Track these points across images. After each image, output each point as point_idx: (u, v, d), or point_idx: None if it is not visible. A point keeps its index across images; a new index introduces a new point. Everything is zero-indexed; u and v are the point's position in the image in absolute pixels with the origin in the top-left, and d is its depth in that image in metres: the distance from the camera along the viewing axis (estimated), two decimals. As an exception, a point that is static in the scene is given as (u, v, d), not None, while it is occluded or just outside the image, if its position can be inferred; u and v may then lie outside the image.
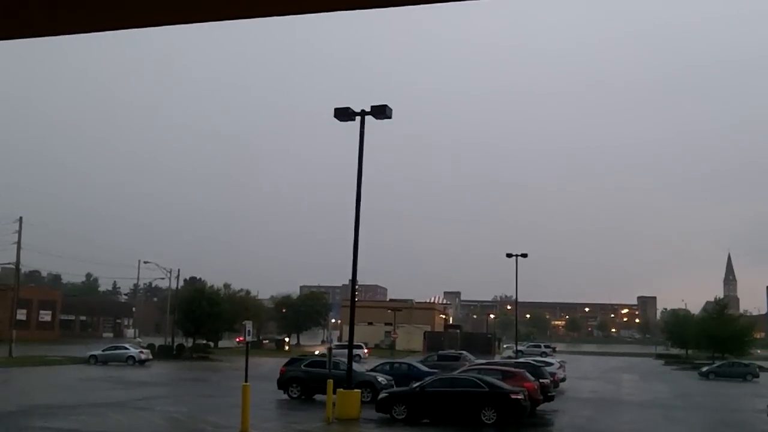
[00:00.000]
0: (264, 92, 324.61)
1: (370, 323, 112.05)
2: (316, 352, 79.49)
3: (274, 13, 2.15)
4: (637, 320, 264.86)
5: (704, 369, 71.46)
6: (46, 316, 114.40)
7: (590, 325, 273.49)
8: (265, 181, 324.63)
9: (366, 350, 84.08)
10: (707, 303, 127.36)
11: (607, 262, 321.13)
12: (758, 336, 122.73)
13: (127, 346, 71.33)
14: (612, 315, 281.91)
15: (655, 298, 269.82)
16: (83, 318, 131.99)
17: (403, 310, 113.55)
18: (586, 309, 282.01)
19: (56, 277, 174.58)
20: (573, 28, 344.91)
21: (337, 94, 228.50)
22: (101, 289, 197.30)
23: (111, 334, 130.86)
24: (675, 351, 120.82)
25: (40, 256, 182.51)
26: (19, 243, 71.79)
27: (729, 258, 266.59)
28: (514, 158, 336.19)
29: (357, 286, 35.21)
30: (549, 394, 37.75)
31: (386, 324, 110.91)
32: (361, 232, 33.11)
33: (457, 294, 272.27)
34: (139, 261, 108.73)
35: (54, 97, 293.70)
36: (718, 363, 74.70)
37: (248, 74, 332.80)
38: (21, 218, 72.47)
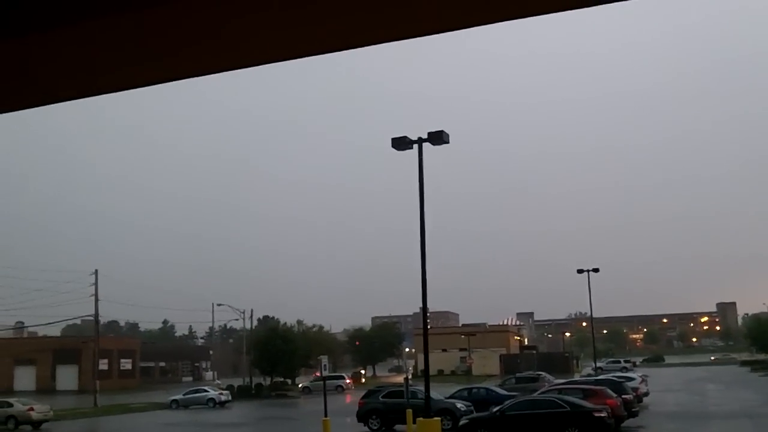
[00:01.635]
0: (317, 128, 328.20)
1: (444, 350, 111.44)
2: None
3: (311, 53, 2.23)
4: (717, 328, 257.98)
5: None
6: (126, 364, 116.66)
7: (669, 336, 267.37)
8: (329, 216, 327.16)
9: (348, 380, 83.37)
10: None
11: (682, 269, 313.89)
12: None
13: (207, 388, 72.32)
14: (691, 324, 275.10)
15: (734, 303, 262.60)
16: (162, 364, 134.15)
17: (477, 334, 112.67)
18: (664, 320, 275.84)
19: (134, 326, 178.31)
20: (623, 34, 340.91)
21: (388, 120, 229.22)
22: (177, 334, 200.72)
23: (190, 378, 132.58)
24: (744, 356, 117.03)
25: (117, 307, 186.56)
26: (96, 295, 73.69)
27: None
28: (581, 168, 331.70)
29: (428, 314, 35.14)
30: (633, 409, 36.97)
31: (460, 349, 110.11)
32: (429, 258, 33.06)
33: (530, 314, 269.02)
34: (213, 304, 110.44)
35: (115, 153, 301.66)
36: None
37: (297, 112, 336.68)
38: (96, 271, 74.50)
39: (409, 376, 43.06)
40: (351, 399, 68.45)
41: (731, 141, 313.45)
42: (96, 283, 73.68)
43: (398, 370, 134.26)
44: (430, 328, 48.25)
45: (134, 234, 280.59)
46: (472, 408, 37.94)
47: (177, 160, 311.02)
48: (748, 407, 45.29)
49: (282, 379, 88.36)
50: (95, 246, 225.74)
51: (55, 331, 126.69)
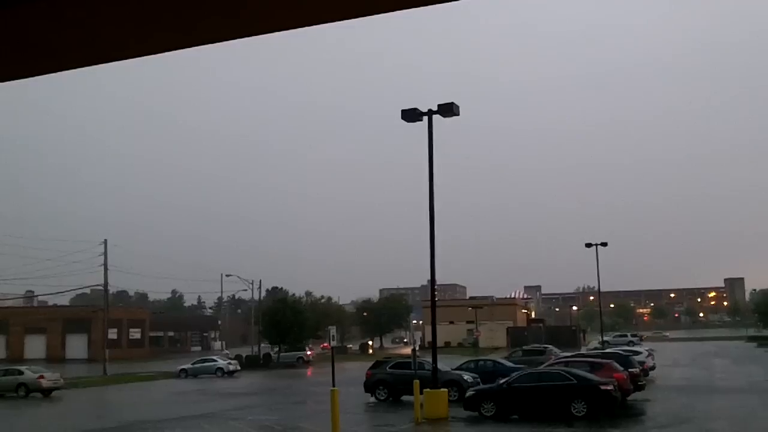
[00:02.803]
0: (323, 100, 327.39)
1: (452, 322, 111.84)
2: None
3: (309, 23, 2.20)
4: (725, 303, 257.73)
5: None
6: (136, 334, 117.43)
7: (677, 311, 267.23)
8: (337, 188, 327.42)
9: (310, 352, 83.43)
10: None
11: (690, 244, 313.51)
12: None
13: (215, 358, 72.75)
14: (699, 299, 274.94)
15: (742, 279, 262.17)
16: (171, 334, 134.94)
17: (484, 307, 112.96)
18: (672, 295, 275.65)
19: (143, 296, 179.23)
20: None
21: (399, 95, 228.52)
22: (186, 304, 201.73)
23: (199, 348, 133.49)
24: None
25: (127, 277, 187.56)
26: (105, 265, 73.92)
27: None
28: (589, 143, 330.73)
29: (436, 286, 35.24)
30: (639, 383, 37.07)
31: (468, 322, 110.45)
32: (437, 231, 33.11)
33: (538, 288, 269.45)
34: (222, 275, 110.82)
35: (128, 125, 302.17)
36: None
37: (303, 85, 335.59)
38: (106, 241, 74.67)
39: (417, 348, 43.15)
40: (313, 372, 68.92)
41: (742, 118, 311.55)
42: (105, 253, 73.94)
43: (399, 341, 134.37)
44: (438, 300, 48.46)
45: (145, 205, 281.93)
46: (478, 380, 38.10)
47: (189, 135, 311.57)
48: (754, 382, 45.38)
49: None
50: (105, 216, 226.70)
51: (65, 301, 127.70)
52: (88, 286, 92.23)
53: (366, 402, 38.66)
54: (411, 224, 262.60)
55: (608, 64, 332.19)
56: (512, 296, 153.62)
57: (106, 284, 75.26)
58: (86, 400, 48.85)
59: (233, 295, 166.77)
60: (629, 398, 34.03)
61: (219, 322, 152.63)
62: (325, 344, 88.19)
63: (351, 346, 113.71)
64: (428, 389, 31.19)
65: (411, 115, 33.07)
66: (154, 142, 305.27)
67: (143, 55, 2.38)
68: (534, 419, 29.63)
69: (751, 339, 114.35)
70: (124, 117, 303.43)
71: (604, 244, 74.31)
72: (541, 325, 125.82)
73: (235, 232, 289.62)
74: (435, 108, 32.90)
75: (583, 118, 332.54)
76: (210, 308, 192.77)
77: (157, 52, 2.37)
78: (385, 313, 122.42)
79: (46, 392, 49.34)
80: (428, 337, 68.91)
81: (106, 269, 73.96)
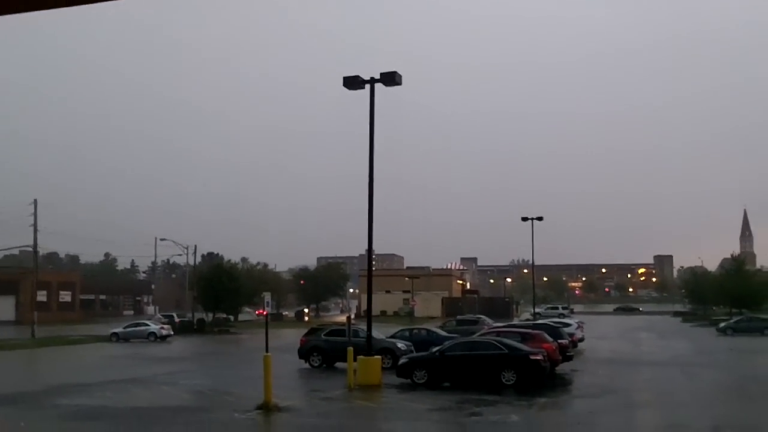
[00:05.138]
0: (264, 67, 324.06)
1: (388, 291, 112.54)
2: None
3: None
4: (654, 279, 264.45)
5: (722, 325, 71.26)
6: (66, 296, 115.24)
7: (607, 286, 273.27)
8: (276, 156, 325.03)
9: (177, 319, 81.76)
10: (724, 260, 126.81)
11: (622, 222, 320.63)
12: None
13: (147, 322, 71.92)
14: (629, 275, 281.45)
15: (671, 256, 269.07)
16: (103, 297, 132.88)
17: (421, 277, 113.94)
18: (603, 270, 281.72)
19: (74, 258, 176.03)
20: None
21: (339, 64, 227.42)
22: (119, 268, 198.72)
23: (132, 312, 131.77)
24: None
25: (57, 238, 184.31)
26: (35, 225, 72.25)
27: (745, 214, 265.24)
28: (527, 123, 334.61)
29: (374, 256, 35.35)
30: (568, 354, 37.92)
31: (404, 292, 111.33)
32: (376, 202, 33.14)
33: (474, 260, 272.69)
34: (156, 238, 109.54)
35: (67, 84, 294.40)
36: (735, 318, 74.53)
37: (248, 50, 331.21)
38: (35, 201, 72.94)
39: (352, 315, 43.38)
40: (241, 338, 68.70)
41: (682, 113, 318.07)
42: (35, 214, 72.22)
43: (325, 309, 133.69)
44: (376, 270, 48.65)
45: (78, 166, 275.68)
46: (412, 348, 38.40)
47: (126, 96, 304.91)
48: (677, 355, 46.86)
49: (225, 316, 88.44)
50: (36, 176, 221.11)
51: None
52: (16, 247, 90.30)
53: (300, 368, 38.76)
54: (351, 193, 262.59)
55: (557, 54, 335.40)
56: (448, 267, 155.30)
57: (35, 245, 73.64)
58: (13, 363, 47.91)
59: (167, 260, 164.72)
60: (558, 368, 34.76)
61: (152, 287, 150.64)
62: (261, 311, 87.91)
63: (287, 313, 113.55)
64: (362, 356, 31.38)
65: (353, 82, 32.83)
66: (89, 100, 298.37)
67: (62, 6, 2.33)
68: (465, 387, 30.01)
69: (676, 314, 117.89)
70: (60, 71, 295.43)
71: (540, 219, 75.50)
72: (475, 296, 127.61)
73: (171, 196, 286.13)
74: (377, 76, 32.74)
75: (522, 102, 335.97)
76: (144, 272, 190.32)
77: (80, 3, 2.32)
78: (323, 281, 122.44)
79: (-28, 354, 48.27)
80: (365, 306, 69.26)
81: (35, 230, 72.35)
